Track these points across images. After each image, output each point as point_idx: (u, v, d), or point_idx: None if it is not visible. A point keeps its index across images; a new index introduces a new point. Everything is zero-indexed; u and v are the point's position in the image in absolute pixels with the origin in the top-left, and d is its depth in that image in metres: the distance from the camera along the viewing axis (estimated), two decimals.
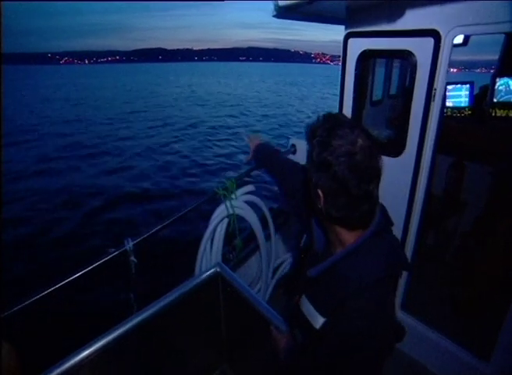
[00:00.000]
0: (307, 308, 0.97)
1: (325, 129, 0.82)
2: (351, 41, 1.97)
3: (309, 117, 19.30)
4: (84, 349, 1.22)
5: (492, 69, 3.18)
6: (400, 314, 2.16)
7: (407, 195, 1.90)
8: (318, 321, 0.92)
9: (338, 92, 2.15)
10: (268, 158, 1.73)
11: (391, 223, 0.96)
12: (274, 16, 1.83)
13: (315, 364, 0.92)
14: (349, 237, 0.89)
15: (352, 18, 1.93)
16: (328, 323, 0.90)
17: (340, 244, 0.92)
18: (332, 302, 0.88)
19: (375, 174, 0.82)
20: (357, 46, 1.95)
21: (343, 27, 2.01)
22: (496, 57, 3.16)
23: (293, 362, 1.09)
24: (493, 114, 2.62)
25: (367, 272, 0.84)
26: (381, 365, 0.91)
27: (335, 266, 0.90)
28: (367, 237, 0.88)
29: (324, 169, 0.80)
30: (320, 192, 0.84)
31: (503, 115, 2.59)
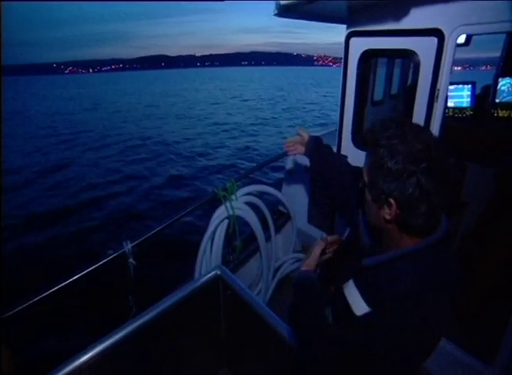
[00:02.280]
0: (353, 293, 0.97)
1: (395, 136, 0.80)
2: (353, 40, 1.95)
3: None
4: (83, 354, 1.20)
5: (499, 66, 3.16)
6: None
7: None
8: (361, 309, 0.92)
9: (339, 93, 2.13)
10: (325, 152, 1.60)
11: (450, 238, 0.94)
12: (275, 15, 1.81)
13: (347, 343, 0.89)
14: (408, 242, 0.88)
15: (354, 17, 1.91)
16: (371, 314, 0.89)
17: (396, 246, 0.90)
18: (380, 296, 0.87)
19: (451, 175, 0.80)
20: (359, 45, 1.93)
21: (345, 27, 1.99)
22: (499, 54, 3.14)
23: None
24: (495, 114, 2.60)
25: (415, 280, 0.83)
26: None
27: (391, 262, 0.89)
28: (427, 244, 0.85)
29: (404, 178, 0.77)
30: (393, 201, 0.81)
31: (506, 115, 2.57)
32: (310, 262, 1.17)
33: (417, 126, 0.84)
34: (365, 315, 0.90)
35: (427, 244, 0.85)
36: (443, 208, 0.83)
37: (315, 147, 1.60)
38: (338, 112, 2.16)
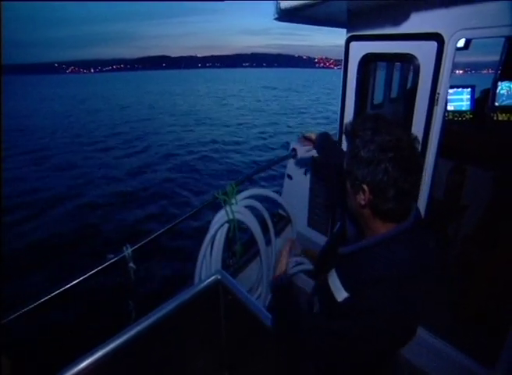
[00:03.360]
0: (334, 281, 1.04)
1: (369, 128, 0.89)
2: (353, 44, 1.96)
3: None
4: (82, 360, 1.19)
5: (498, 70, 3.17)
6: None
7: None
8: (341, 295, 0.99)
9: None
10: (332, 144, 1.77)
11: (425, 227, 1.04)
12: (275, 19, 1.82)
13: (328, 330, 0.95)
14: (382, 228, 0.95)
15: (354, 21, 1.91)
16: (349, 299, 0.96)
17: (375, 233, 0.97)
18: (358, 282, 0.95)
19: (419, 167, 0.91)
20: (359, 50, 1.94)
21: (345, 31, 1.99)
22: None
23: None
24: (495, 118, 2.61)
25: (393, 263, 0.90)
26: (384, 357, 1.01)
27: (366, 249, 0.97)
28: (400, 230, 0.93)
29: (374, 165, 0.86)
30: (366, 187, 0.89)
31: (505, 119, 2.58)
32: (281, 267, 1.28)
33: (392, 121, 0.92)
34: (345, 300, 0.97)
35: (400, 229, 0.93)
36: (412, 195, 0.92)
37: (322, 140, 1.79)
38: (338, 116, 2.16)
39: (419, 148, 0.90)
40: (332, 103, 28.68)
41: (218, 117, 21.68)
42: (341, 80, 2.09)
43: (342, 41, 2.01)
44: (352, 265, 1.01)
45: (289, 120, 20.12)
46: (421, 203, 1.87)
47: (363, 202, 0.93)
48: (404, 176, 0.85)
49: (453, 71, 1.68)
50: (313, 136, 1.86)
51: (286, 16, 1.77)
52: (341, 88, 2.09)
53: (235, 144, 14.20)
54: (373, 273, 0.91)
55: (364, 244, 0.98)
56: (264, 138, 15.42)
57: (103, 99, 37.30)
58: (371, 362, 0.97)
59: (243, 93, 42.19)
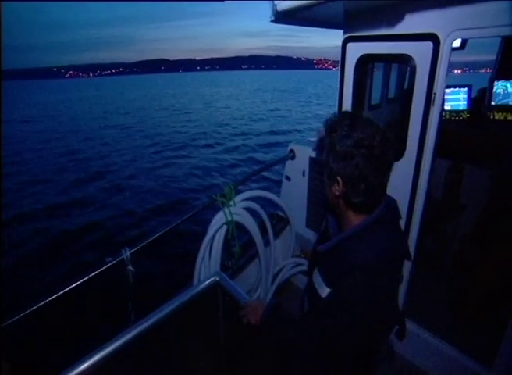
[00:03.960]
0: (317, 279, 1.10)
1: (346, 124, 0.93)
2: (349, 45, 1.96)
3: None
4: (82, 362, 1.19)
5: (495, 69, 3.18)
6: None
7: (408, 200, 1.89)
8: (325, 291, 1.05)
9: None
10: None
11: (398, 216, 1.07)
12: (272, 21, 1.82)
13: (316, 325, 1.02)
14: (355, 220, 1.01)
15: (350, 22, 1.92)
16: (330, 293, 1.02)
17: (349, 226, 1.03)
18: (335, 275, 1.01)
19: (389, 166, 0.94)
20: (356, 51, 1.94)
21: (342, 32, 2.00)
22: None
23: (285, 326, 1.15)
24: (492, 117, 2.62)
25: (365, 253, 0.95)
26: (371, 345, 1.06)
27: (340, 243, 1.03)
28: (370, 221, 0.99)
29: (347, 159, 0.91)
30: (340, 179, 0.95)
31: (502, 118, 2.59)
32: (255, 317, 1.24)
33: (368, 120, 0.96)
34: (327, 296, 1.03)
35: (370, 220, 0.99)
36: (382, 190, 0.99)
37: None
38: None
39: (391, 147, 0.94)
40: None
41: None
42: (338, 81, 2.09)
43: (339, 42, 2.02)
44: (330, 260, 1.07)
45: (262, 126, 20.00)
46: (419, 203, 1.87)
47: (337, 193, 0.99)
48: (375, 173, 0.91)
49: (451, 71, 1.68)
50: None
51: (283, 17, 1.78)
52: (338, 89, 2.10)
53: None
54: (348, 264, 0.96)
55: (338, 238, 1.04)
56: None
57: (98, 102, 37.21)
58: (358, 356, 1.03)
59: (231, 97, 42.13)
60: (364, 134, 0.90)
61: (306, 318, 1.19)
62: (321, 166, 1.04)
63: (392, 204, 1.05)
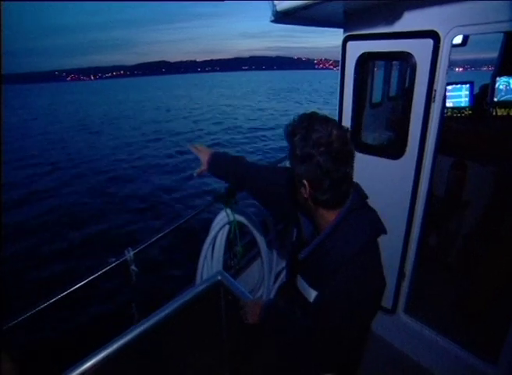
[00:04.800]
0: (302, 285, 1.13)
1: (303, 127, 0.94)
2: (350, 44, 1.96)
3: None
4: (85, 361, 1.20)
5: (497, 65, 3.16)
6: (403, 317, 2.13)
7: (409, 197, 1.88)
8: (312, 295, 1.07)
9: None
10: (229, 165, 1.53)
11: (366, 197, 1.08)
12: (272, 21, 1.82)
13: (314, 332, 1.02)
14: (329, 217, 1.02)
15: (350, 21, 1.92)
16: (317, 296, 1.05)
17: (325, 224, 1.04)
18: (322, 276, 1.01)
19: (350, 156, 0.96)
20: (356, 49, 1.94)
21: (342, 31, 2.00)
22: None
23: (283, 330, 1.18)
24: (494, 113, 2.61)
25: (350, 242, 0.98)
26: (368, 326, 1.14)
27: (321, 244, 1.03)
28: (344, 213, 1.01)
29: (308, 161, 0.92)
30: (305, 182, 0.96)
31: (504, 114, 2.57)
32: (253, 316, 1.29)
33: (325, 117, 0.97)
34: (315, 299, 1.06)
35: (343, 213, 1.00)
36: (347, 182, 0.99)
37: (211, 164, 1.56)
38: (337, 116, 2.16)
39: (349, 138, 0.96)
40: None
41: None
42: (339, 80, 2.09)
43: (340, 42, 2.02)
44: (313, 264, 1.08)
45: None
46: (421, 200, 1.87)
47: (306, 196, 1.00)
48: (336, 167, 0.92)
49: (452, 68, 1.68)
50: (206, 151, 1.60)
51: (283, 17, 1.78)
52: (339, 88, 2.09)
53: None
54: (332, 263, 0.98)
55: (316, 242, 1.05)
56: None
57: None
58: (353, 345, 1.07)
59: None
60: (320, 133, 0.91)
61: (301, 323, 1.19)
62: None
63: (358, 187, 1.08)
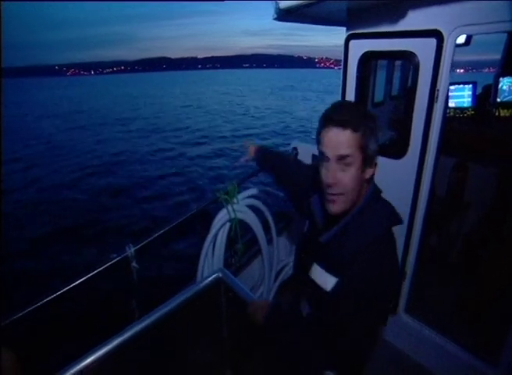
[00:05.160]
0: (319, 273, 1.09)
1: (366, 112, 1.01)
2: (352, 42, 1.96)
3: None
4: (86, 357, 1.21)
5: (500, 65, 3.15)
6: (404, 317, 2.13)
7: (411, 197, 1.88)
8: (330, 282, 1.03)
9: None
10: (272, 158, 1.74)
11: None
12: (274, 19, 1.82)
13: (327, 322, 1.00)
14: (362, 195, 1.04)
15: (353, 19, 1.91)
16: (338, 282, 1.01)
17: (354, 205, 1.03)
18: (344, 260, 0.99)
19: None
20: (359, 48, 1.94)
21: (345, 30, 1.99)
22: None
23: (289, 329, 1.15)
24: (497, 114, 2.59)
25: (373, 226, 0.99)
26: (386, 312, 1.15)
27: (346, 226, 1.03)
28: (369, 197, 1.03)
29: (376, 138, 1.00)
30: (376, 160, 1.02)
31: (507, 115, 2.56)
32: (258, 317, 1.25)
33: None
34: (335, 286, 1.02)
35: (368, 199, 1.03)
36: None
37: (257, 155, 1.78)
38: None
39: None
40: None
41: None
42: (341, 78, 2.09)
43: (341, 41, 2.01)
44: (335, 249, 1.04)
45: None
46: (422, 201, 1.87)
47: (368, 176, 1.01)
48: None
49: (453, 70, 1.67)
50: (253, 145, 1.82)
51: (285, 15, 1.78)
52: (341, 87, 2.09)
53: None
54: (359, 243, 0.98)
55: (343, 223, 1.04)
56: None
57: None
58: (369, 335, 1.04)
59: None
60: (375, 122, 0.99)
61: (310, 318, 1.18)
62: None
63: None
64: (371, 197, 1.03)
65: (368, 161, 0.98)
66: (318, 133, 1.01)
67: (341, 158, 0.95)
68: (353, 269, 0.96)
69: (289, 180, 1.58)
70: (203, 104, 31.88)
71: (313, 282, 1.11)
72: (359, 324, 0.96)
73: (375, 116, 0.99)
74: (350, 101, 1.23)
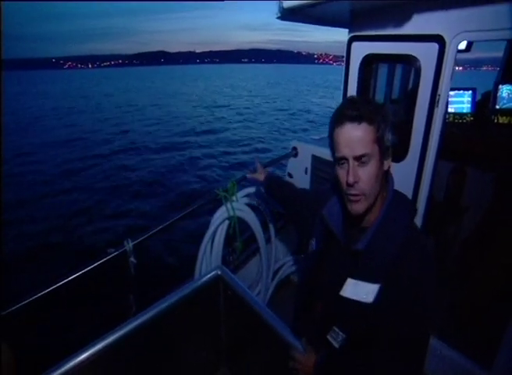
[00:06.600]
0: (354, 287, 0.98)
1: (378, 104, 1.02)
2: (355, 44, 1.97)
3: None
4: (82, 352, 1.20)
5: (497, 66, 3.17)
6: None
7: None
8: (373, 291, 0.93)
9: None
10: (282, 186, 1.79)
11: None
12: (278, 18, 1.83)
13: (384, 341, 0.93)
14: (386, 193, 1.03)
15: (356, 21, 1.92)
16: (381, 287, 0.93)
17: (381, 205, 1.01)
18: (385, 262, 0.93)
19: None
20: (361, 50, 1.95)
21: (347, 31, 2.00)
22: (501, 54, 3.16)
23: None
24: (496, 121, 2.61)
25: (403, 221, 0.97)
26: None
27: (376, 232, 0.97)
28: (393, 192, 1.03)
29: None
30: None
31: (506, 122, 2.58)
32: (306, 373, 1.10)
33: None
34: (377, 294, 0.93)
35: (394, 192, 1.03)
36: None
37: (267, 181, 1.86)
38: None
39: None
40: None
41: None
42: (342, 80, 2.10)
43: (340, 37, 2.03)
44: (372, 252, 0.97)
45: None
46: (421, 205, 1.88)
47: (386, 168, 1.00)
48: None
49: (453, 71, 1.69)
50: (264, 171, 1.91)
51: (289, 15, 1.79)
52: (342, 88, 2.10)
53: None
54: (399, 237, 0.94)
55: (372, 230, 0.98)
56: None
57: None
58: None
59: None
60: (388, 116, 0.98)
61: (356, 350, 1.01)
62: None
63: None
64: (394, 191, 1.02)
65: (385, 152, 0.97)
66: (331, 135, 0.97)
67: (359, 158, 0.92)
68: (398, 269, 0.91)
69: (297, 205, 1.54)
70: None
71: (348, 301, 0.98)
72: (418, 332, 0.91)
73: (386, 106, 1.04)
74: (359, 96, 1.27)
